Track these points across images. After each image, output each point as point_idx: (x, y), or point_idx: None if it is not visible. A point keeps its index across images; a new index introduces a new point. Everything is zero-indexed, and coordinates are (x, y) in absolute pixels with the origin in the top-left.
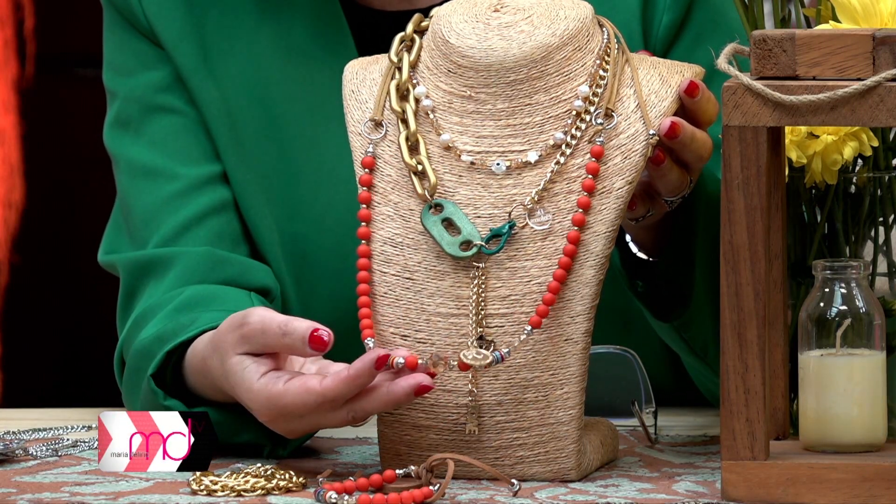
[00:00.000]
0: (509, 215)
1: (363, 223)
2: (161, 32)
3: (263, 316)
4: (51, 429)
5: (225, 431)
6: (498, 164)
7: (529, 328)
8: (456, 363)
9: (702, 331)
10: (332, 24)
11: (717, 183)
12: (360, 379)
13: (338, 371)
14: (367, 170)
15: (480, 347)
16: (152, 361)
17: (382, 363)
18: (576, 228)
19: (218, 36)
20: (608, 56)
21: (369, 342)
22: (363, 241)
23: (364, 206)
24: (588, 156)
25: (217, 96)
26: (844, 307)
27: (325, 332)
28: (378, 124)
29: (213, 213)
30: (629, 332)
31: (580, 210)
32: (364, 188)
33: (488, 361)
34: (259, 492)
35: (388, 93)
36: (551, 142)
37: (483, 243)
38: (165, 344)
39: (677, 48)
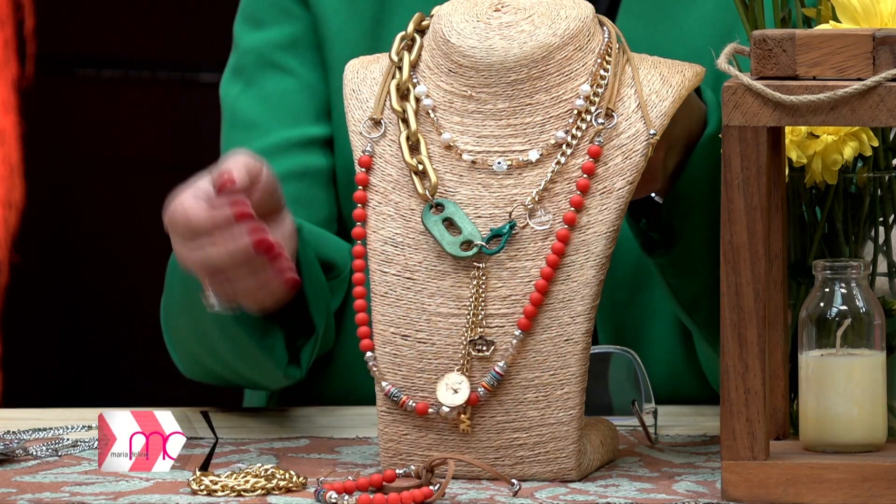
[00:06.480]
0: (510, 215)
1: (358, 223)
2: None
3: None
4: (51, 429)
5: (251, 332)
6: (499, 163)
7: (519, 332)
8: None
9: (692, 283)
10: None
11: None
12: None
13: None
14: (363, 169)
15: (480, 348)
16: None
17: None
18: (566, 227)
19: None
20: (609, 55)
21: (368, 356)
22: (358, 242)
23: (360, 205)
24: (588, 156)
25: None
26: (844, 307)
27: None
28: (377, 123)
29: (293, 178)
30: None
31: (572, 209)
32: (360, 188)
33: (488, 379)
34: (259, 492)
35: (389, 92)
36: (552, 141)
37: (484, 243)
38: None
39: None
